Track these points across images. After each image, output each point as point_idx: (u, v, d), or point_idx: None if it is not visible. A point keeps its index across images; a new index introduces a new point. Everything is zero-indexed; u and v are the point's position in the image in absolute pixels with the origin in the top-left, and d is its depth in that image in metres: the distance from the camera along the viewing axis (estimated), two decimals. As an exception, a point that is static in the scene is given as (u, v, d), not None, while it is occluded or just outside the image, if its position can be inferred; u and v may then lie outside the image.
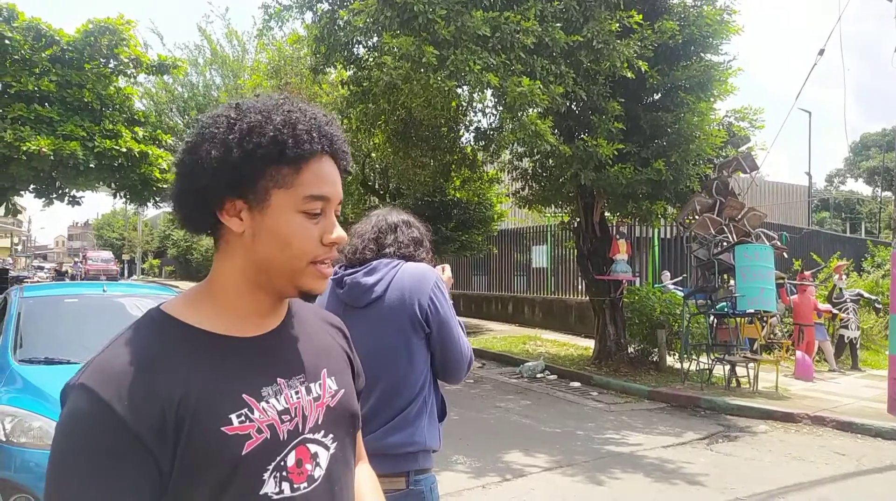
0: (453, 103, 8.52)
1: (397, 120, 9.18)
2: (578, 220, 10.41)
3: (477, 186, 13.63)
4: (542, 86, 7.22)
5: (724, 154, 9.52)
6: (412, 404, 1.88)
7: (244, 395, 0.91)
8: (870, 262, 16.38)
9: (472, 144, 11.04)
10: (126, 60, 13.17)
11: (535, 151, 9.05)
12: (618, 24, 7.70)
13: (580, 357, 10.81)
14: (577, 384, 9.21)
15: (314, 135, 0.94)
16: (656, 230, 13.38)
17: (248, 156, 0.91)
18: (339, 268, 2.04)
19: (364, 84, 8.30)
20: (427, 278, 1.93)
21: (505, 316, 16.67)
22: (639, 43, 7.91)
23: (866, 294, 12.31)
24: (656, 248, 13.96)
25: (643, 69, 7.98)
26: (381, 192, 15.86)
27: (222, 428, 0.87)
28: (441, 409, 2.01)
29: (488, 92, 8.68)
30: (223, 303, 0.97)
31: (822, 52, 8.63)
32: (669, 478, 5.21)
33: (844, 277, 11.77)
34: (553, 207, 11.33)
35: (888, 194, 33.90)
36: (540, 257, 16.21)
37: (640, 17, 7.89)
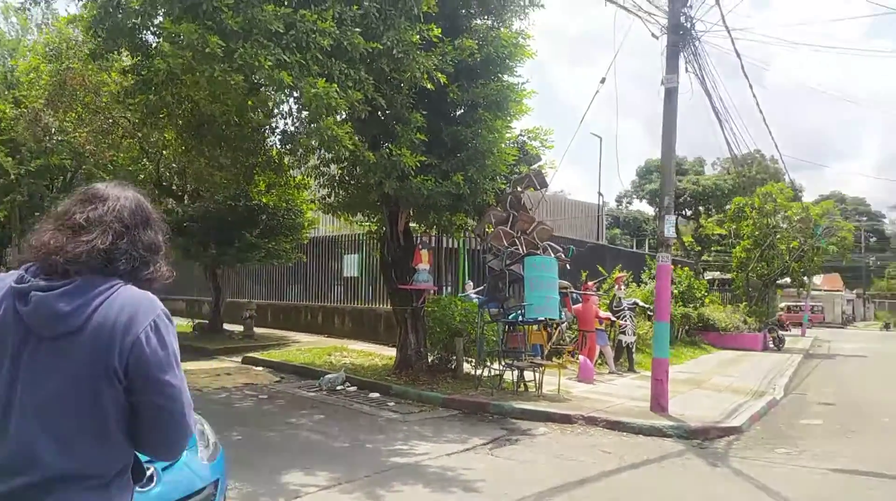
0: (249, 101, 8.03)
1: (184, 114, 8.45)
2: (384, 229, 10.37)
3: (283, 191, 13.09)
4: (339, 90, 7.02)
5: (517, 171, 10.04)
6: (101, 476, 1.44)
7: None
8: (647, 274, 18.33)
9: (278, 146, 10.55)
10: None
11: (342, 157, 8.83)
12: (419, 36, 7.76)
13: (383, 367, 10.73)
14: (376, 394, 9.09)
15: None
16: (462, 241, 13.80)
17: None
18: (29, 269, 1.45)
19: (144, 73, 7.52)
20: (143, 313, 1.43)
21: (315, 327, 16.22)
22: (440, 57, 8.04)
23: (641, 303, 13.74)
24: (463, 258, 14.41)
25: (444, 82, 8.12)
26: (179, 193, 14.65)
27: None
28: (136, 466, 1.56)
29: (289, 93, 8.31)
30: None
31: (603, 80, 9.47)
32: (448, 487, 5.22)
33: (623, 287, 13.01)
34: (360, 215, 11.21)
35: (665, 214, 38.47)
36: (351, 265, 16.01)
37: (440, 31, 8.02)
